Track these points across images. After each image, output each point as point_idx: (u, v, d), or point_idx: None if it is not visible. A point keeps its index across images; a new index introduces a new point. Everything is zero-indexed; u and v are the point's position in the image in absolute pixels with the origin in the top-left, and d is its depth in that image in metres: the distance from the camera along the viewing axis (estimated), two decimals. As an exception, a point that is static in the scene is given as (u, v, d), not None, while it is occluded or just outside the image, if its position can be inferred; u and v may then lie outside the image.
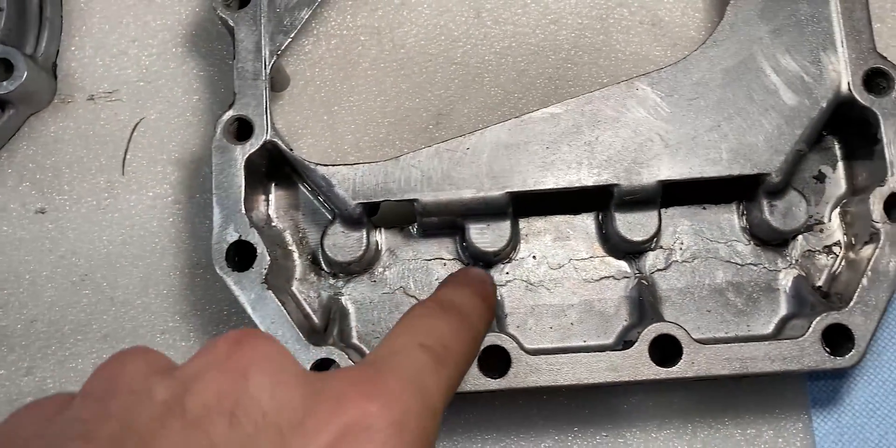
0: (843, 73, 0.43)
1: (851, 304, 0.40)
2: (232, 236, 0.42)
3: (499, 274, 0.45)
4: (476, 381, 0.40)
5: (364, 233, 0.44)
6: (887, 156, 0.42)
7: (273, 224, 0.46)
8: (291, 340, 0.41)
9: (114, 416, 0.26)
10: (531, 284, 0.45)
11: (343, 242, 0.44)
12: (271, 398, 0.26)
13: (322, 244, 0.44)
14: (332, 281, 0.45)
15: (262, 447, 0.25)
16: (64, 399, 0.28)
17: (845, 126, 0.45)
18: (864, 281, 0.40)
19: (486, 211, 0.43)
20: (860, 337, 0.40)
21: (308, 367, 0.40)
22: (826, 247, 0.45)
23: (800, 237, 0.45)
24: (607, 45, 0.50)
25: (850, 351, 0.40)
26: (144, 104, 0.51)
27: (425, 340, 0.31)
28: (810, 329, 0.40)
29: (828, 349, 0.40)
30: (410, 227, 0.46)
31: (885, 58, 0.43)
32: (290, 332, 0.41)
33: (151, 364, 0.28)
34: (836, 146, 0.46)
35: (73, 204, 0.50)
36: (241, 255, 0.42)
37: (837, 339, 0.40)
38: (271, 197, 0.46)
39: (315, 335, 0.43)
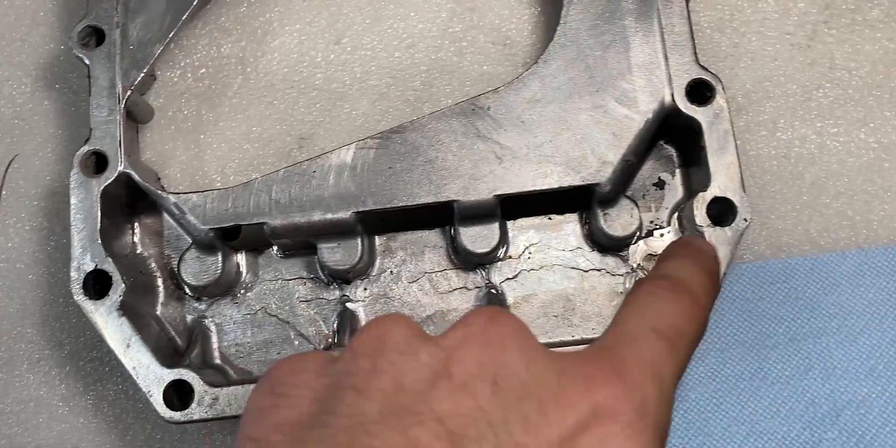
0: (666, 86, 0.45)
1: (677, 304, 0.42)
2: (88, 266, 0.44)
3: (356, 290, 0.47)
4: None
5: (219, 256, 0.46)
6: (710, 162, 0.44)
7: (138, 251, 0.47)
8: (145, 363, 0.42)
9: (384, 372, 0.29)
10: (389, 299, 0.47)
11: (199, 267, 0.46)
12: (527, 370, 0.29)
13: (179, 268, 0.46)
14: (195, 304, 0.47)
15: (525, 412, 0.28)
16: (329, 355, 0.31)
17: (679, 135, 0.47)
18: (689, 282, 0.42)
19: (335, 230, 0.45)
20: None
21: (160, 390, 0.42)
22: (665, 250, 0.47)
23: (641, 242, 0.47)
24: (461, 67, 0.52)
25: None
26: (19, 141, 0.52)
27: (658, 324, 0.32)
28: (639, 330, 0.42)
29: (656, 348, 0.42)
30: (271, 249, 0.48)
31: (706, 69, 0.45)
32: (145, 355, 0.42)
33: (413, 329, 0.31)
34: (674, 154, 0.48)
35: (-49, 239, 0.51)
36: (99, 284, 0.44)
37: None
38: (136, 225, 0.48)
39: (177, 357, 0.44)
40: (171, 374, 0.42)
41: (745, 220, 0.43)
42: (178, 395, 0.42)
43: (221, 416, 0.41)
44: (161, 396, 0.42)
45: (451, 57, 0.52)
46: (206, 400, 0.42)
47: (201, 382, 0.42)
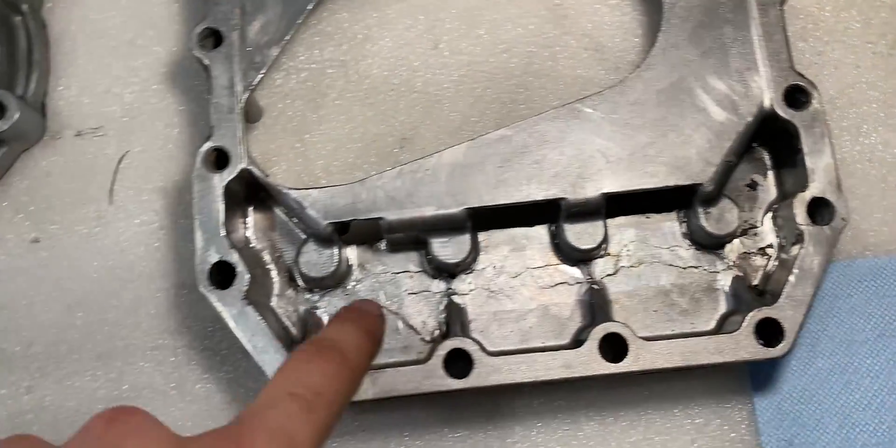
0: (765, 91, 0.47)
1: (781, 299, 0.44)
2: (213, 257, 0.46)
3: (462, 284, 0.49)
4: (441, 381, 0.43)
5: (335, 250, 0.48)
6: (807, 164, 0.46)
7: (251, 245, 0.49)
8: (272, 351, 0.44)
9: None
10: (492, 292, 0.49)
11: (316, 259, 0.48)
12: None
13: (297, 261, 0.48)
14: (307, 296, 0.49)
15: None
16: None
17: (772, 138, 0.49)
18: (791, 278, 0.44)
19: (447, 226, 0.47)
20: (789, 329, 0.43)
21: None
22: (760, 249, 0.49)
23: (736, 241, 0.49)
24: (555, 71, 0.54)
25: (781, 342, 0.43)
26: (129, 138, 0.54)
27: (295, 389, 0.34)
28: (744, 323, 0.44)
29: (761, 341, 0.44)
30: (379, 244, 0.50)
31: (802, 75, 0.48)
32: (271, 343, 0.44)
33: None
34: (766, 156, 0.50)
35: (65, 233, 0.53)
36: (222, 275, 0.46)
37: (770, 331, 0.44)
38: (249, 220, 0.50)
39: (294, 346, 0.46)
40: (296, 361, 0.44)
41: (843, 219, 0.45)
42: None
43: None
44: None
45: (545, 62, 0.55)
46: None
47: (325, 369, 0.44)
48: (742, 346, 0.44)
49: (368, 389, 0.44)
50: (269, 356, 0.44)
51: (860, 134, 0.53)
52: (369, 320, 0.42)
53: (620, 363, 0.43)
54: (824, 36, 0.55)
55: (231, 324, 0.45)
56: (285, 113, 0.54)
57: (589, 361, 0.44)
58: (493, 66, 0.55)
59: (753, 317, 0.44)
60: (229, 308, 0.45)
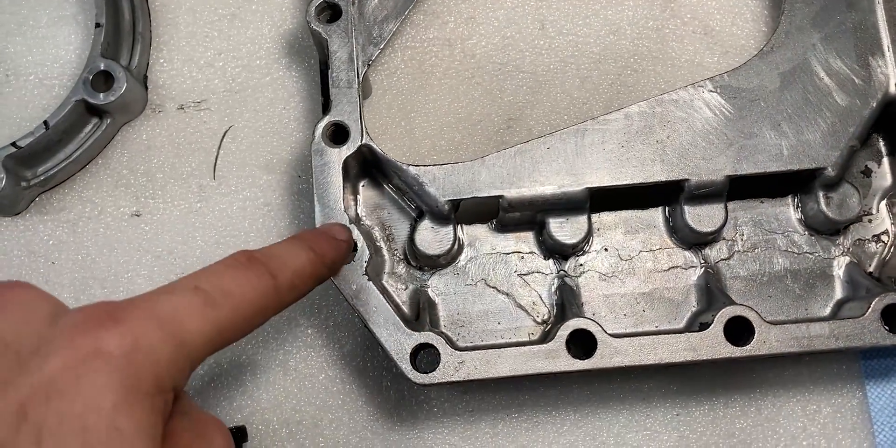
0: (890, 75, 0.47)
1: (908, 285, 0.44)
2: (333, 232, 0.45)
3: (573, 265, 0.49)
4: (566, 362, 0.43)
5: (451, 228, 0.47)
6: (932, 151, 0.46)
7: (362, 222, 0.49)
8: (391, 326, 0.44)
9: None
10: (604, 275, 0.48)
11: (432, 237, 0.47)
12: (14, 331, 0.30)
13: (413, 239, 0.47)
14: (418, 274, 0.49)
15: (1, 367, 0.29)
16: None
17: (890, 124, 0.48)
18: (919, 264, 0.44)
19: (566, 206, 0.46)
20: (920, 313, 0.43)
21: (408, 351, 0.43)
22: (875, 236, 0.48)
23: (851, 227, 0.49)
24: (663, 53, 0.54)
25: (911, 325, 0.43)
26: (232, 113, 0.54)
27: (203, 284, 0.34)
28: (870, 309, 0.43)
29: (886, 327, 0.43)
30: (490, 223, 0.49)
31: (927, 61, 0.47)
32: (392, 318, 0.44)
33: None
34: (881, 143, 0.50)
35: (166, 207, 0.53)
36: (342, 250, 0.45)
37: (894, 318, 0.44)
38: (360, 197, 0.50)
39: (408, 323, 0.46)
40: (419, 338, 0.43)
41: (971, 206, 0.45)
42: (420, 358, 0.44)
43: (468, 379, 0.43)
44: (409, 360, 0.43)
45: (653, 44, 0.54)
46: (453, 363, 0.43)
47: (446, 345, 0.43)
48: (868, 331, 0.43)
49: (490, 369, 0.43)
50: (389, 332, 0.44)
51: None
52: (327, 244, 0.41)
53: (747, 346, 0.43)
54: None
55: (351, 300, 0.44)
56: (391, 91, 0.54)
57: (715, 345, 0.43)
58: (600, 48, 0.54)
59: (879, 302, 0.43)
60: (349, 284, 0.44)
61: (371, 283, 0.45)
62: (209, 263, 0.50)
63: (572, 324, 0.44)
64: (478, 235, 0.49)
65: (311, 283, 0.39)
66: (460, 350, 0.44)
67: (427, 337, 0.44)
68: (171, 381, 0.31)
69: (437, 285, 0.49)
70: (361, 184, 0.50)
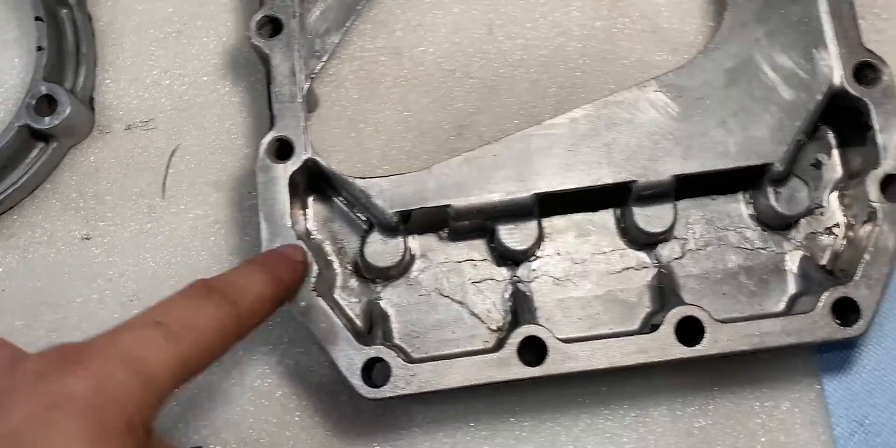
0: (834, 68, 0.46)
1: (856, 278, 0.43)
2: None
3: (526, 271, 0.48)
4: (517, 369, 0.43)
5: (401, 239, 0.47)
6: (879, 141, 0.45)
7: (312, 237, 0.49)
8: (342, 341, 0.43)
9: None
10: (557, 279, 0.48)
11: (382, 249, 0.47)
12: None
13: (363, 252, 0.47)
14: (370, 286, 0.48)
15: None
16: None
17: (838, 116, 0.48)
18: (867, 256, 0.44)
19: (515, 212, 0.46)
20: (866, 308, 0.43)
21: (359, 366, 0.43)
22: (827, 228, 0.48)
23: (802, 221, 0.48)
24: (613, 53, 0.54)
25: (858, 321, 0.43)
26: (180, 131, 0.54)
27: (163, 318, 0.33)
28: (820, 303, 0.43)
29: (838, 321, 0.43)
30: (441, 233, 0.49)
31: (871, 51, 0.47)
32: (342, 333, 0.44)
33: None
34: (830, 135, 0.50)
35: (117, 229, 0.53)
36: (289, 266, 0.45)
37: (845, 311, 0.43)
38: (309, 211, 0.49)
39: (360, 337, 0.45)
40: (369, 352, 0.43)
41: (919, 196, 0.45)
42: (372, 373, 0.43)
43: (420, 391, 0.43)
44: (360, 375, 0.43)
45: (602, 44, 0.54)
46: (404, 376, 0.43)
47: (397, 359, 0.43)
48: (818, 325, 0.43)
49: (441, 380, 0.43)
50: (340, 348, 0.43)
51: (922, 111, 0.53)
52: (281, 266, 0.41)
53: (697, 347, 0.43)
54: (883, 13, 0.54)
55: (300, 317, 0.44)
56: (339, 102, 0.53)
57: (665, 346, 0.43)
58: (549, 51, 0.54)
59: (829, 296, 0.43)
60: (299, 300, 0.44)
61: (320, 298, 0.44)
62: (161, 285, 0.51)
63: (523, 331, 0.44)
64: (430, 245, 0.49)
65: (271, 307, 0.39)
66: (413, 362, 0.43)
67: (378, 351, 0.43)
68: (141, 420, 0.31)
69: (391, 297, 0.48)
70: (311, 198, 0.50)
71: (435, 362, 0.44)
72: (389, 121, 0.53)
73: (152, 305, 0.35)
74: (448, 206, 0.46)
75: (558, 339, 0.44)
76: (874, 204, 0.45)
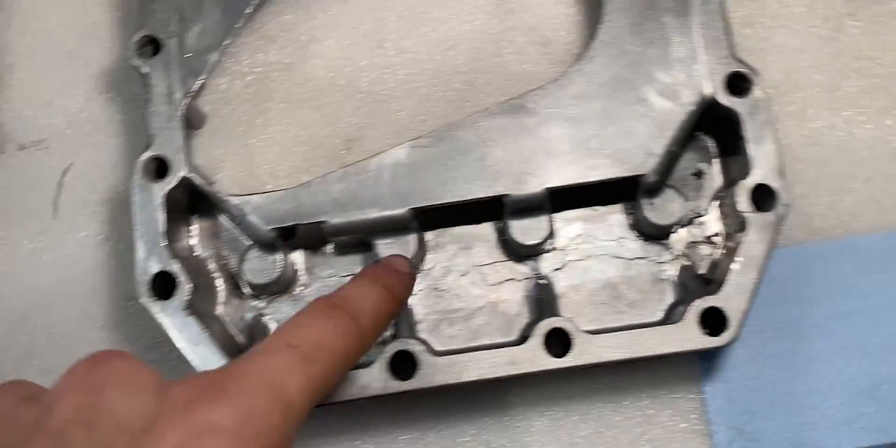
0: (706, 79, 0.47)
1: (724, 287, 0.44)
2: (154, 268, 0.45)
3: (410, 284, 0.49)
4: (386, 384, 0.43)
5: (279, 256, 0.48)
6: (750, 151, 0.46)
7: (196, 254, 0.49)
8: (215, 362, 0.44)
9: None
10: (440, 292, 0.49)
11: (260, 266, 0.47)
12: (125, 407, 0.29)
13: (241, 269, 0.47)
14: (254, 302, 0.49)
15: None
16: None
17: (716, 126, 0.49)
18: (735, 266, 0.44)
19: (392, 227, 0.47)
20: (733, 317, 0.43)
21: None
22: (707, 237, 0.49)
23: (683, 230, 0.49)
24: (501, 66, 0.54)
25: (726, 331, 0.43)
26: (73, 150, 0.54)
27: (294, 340, 0.33)
28: (688, 313, 0.44)
29: (706, 330, 0.44)
30: (326, 247, 0.49)
31: (743, 62, 0.47)
32: (214, 353, 0.44)
33: (21, 393, 0.31)
34: (711, 145, 0.50)
35: (10, 248, 0.53)
36: (163, 286, 0.45)
37: (715, 320, 0.44)
38: (193, 228, 0.50)
39: (239, 354, 0.46)
40: (242, 369, 0.43)
41: (786, 205, 0.45)
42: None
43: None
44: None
45: (492, 57, 0.54)
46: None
47: (271, 376, 0.43)
48: (687, 336, 0.44)
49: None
50: (211, 366, 0.44)
51: (806, 118, 0.53)
52: (394, 279, 0.41)
53: (565, 358, 0.43)
54: (769, 21, 0.55)
55: (172, 335, 0.44)
56: (230, 118, 0.54)
57: (534, 357, 0.43)
58: (439, 64, 0.54)
59: (697, 306, 0.44)
60: (171, 319, 0.45)
61: (192, 317, 0.45)
62: (52, 304, 0.51)
63: (394, 345, 0.44)
64: (316, 260, 0.49)
65: (387, 322, 0.39)
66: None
67: (250, 367, 0.44)
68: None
69: (274, 313, 0.49)
70: (196, 215, 0.50)
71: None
72: (279, 136, 0.53)
73: (280, 326, 0.35)
74: (323, 222, 0.46)
75: (432, 352, 0.44)
76: (743, 213, 0.45)
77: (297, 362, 0.32)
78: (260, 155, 0.53)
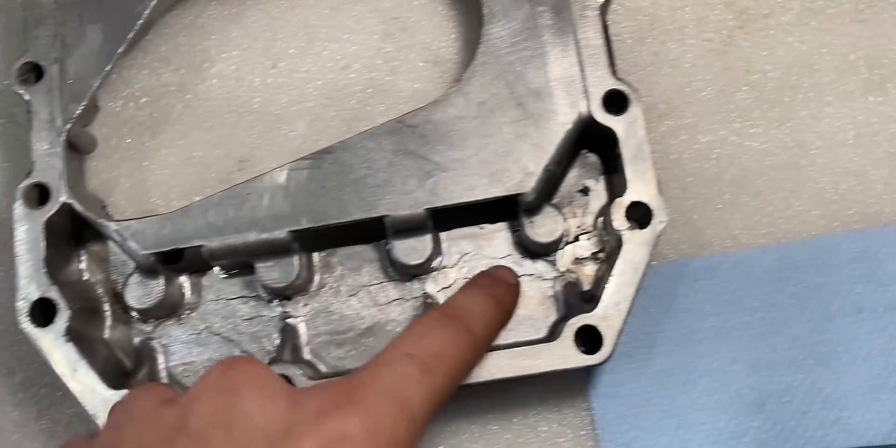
0: (583, 97, 0.47)
1: (600, 305, 0.44)
2: (34, 295, 0.45)
3: (297, 306, 0.49)
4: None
5: (162, 280, 0.48)
6: (626, 168, 0.46)
7: (85, 278, 0.49)
8: (96, 389, 0.44)
9: (128, 441, 0.31)
10: (329, 313, 0.49)
11: (142, 291, 0.47)
12: (261, 411, 0.30)
13: (123, 293, 0.48)
14: (142, 326, 0.49)
15: None
16: (92, 436, 0.34)
17: (599, 144, 0.49)
18: (610, 284, 0.44)
19: (271, 250, 0.47)
20: (608, 335, 0.43)
21: (106, 412, 0.43)
22: (592, 254, 0.49)
23: (569, 247, 0.49)
24: (395, 85, 0.54)
25: (600, 349, 0.44)
26: (-43, 176, 0.54)
27: (413, 351, 0.34)
28: (564, 331, 0.44)
29: (582, 348, 0.44)
30: (213, 270, 0.49)
31: (621, 80, 0.48)
32: (92, 379, 0.44)
33: (160, 395, 0.33)
34: (598, 162, 0.50)
35: None
36: (45, 312, 0.45)
37: (591, 338, 0.44)
38: (83, 253, 0.50)
39: (126, 379, 0.46)
40: (116, 396, 0.43)
41: (662, 222, 0.45)
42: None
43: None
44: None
45: (385, 76, 0.54)
46: (153, 418, 0.43)
47: (148, 402, 0.43)
48: (563, 354, 0.44)
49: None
50: (92, 394, 0.44)
51: (697, 132, 0.53)
52: (502, 289, 0.41)
53: (442, 379, 0.43)
54: (661, 35, 0.55)
55: (51, 361, 0.44)
56: (124, 141, 0.54)
57: (411, 379, 0.44)
58: (332, 83, 0.54)
59: (573, 324, 0.44)
60: (50, 345, 0.45)
61: (70, 343, 0.45)
62: None
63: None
64: (203, 283, 0.50)
65: (498, 331, 0.40)
66: (162, 404, 0.44)
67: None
68: None
69: (162, 337, 0.49)
70: (86, 239, 0.50)
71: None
72: (172, 158, 0.53)
73: (398, 336, 0.35)
74: (202, 246, 0.46)
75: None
76: (619, 230, 0.45)
77: (418, 373, 0.33)
78: (152, 177, 0.53)
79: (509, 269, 0.44)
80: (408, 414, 0.32)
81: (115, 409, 0.33)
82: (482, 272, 0.44)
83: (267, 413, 0.30)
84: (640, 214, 0.46)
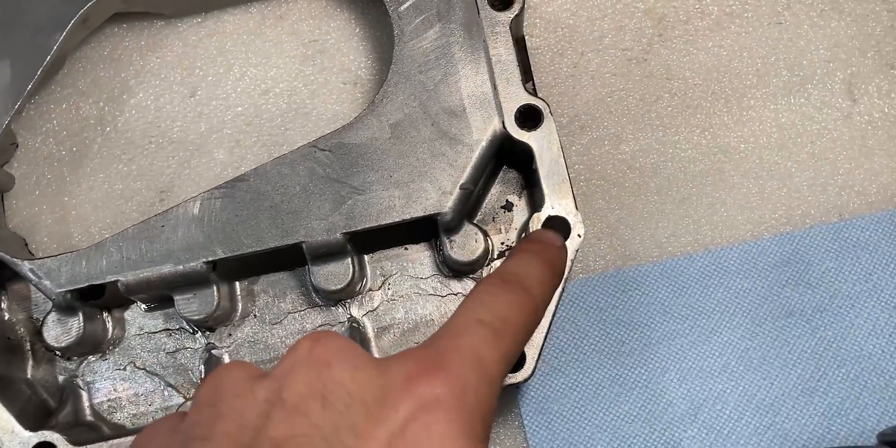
0: (497, 113, 0.47)
1: (520, 323, 0.44)
2: (-53, 338, 0.45)
3: (222, 336, 0.48)
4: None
5: (80, 317, 0.47)
6: (542, 183, 0.46)
7: (6, 317, 0.48)
8: (9, 428, 0.43)
9: (226, 416, 0.31)
10: (254, 342, 0.48)
11: (60, 329, 0.47)
12: (353, 380, 0.31)
13: (41, 332, 0.47)
14: (66, 364, 0.48)
15: (354, 420, 0.30)
16: (180, 414, 0.33)
17: (517, 159, 0.49)
18: (530, 301, 0.44)
19: (189, 281, 0.46)
20: (528, 353, 0.43)
21: (27, 452, 0.43)
22: (517, 270, 0.49)
23: (495, 263, 0.49)
24: (314, 108, 0.54)
25: (522, 366, 0.43)
26: None
27: (483, 316, 0.34)
28: (485, 351, 0.43)
29: (504, 368, 0.43)
30: (137, 304, 0.49)
31: (534, 95, 0.47)
32: (9, 421, 0.43)
33: (248, 371, 0.33)
34: (519, 177, 0.50)
35: None
36: (-40, 355, 0.45)
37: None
38: (3, 292, 0.49)
39: (49, 418, 0.45)
40: (34, 437, 0.43)
41: (579, 235, 0.45)
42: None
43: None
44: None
45: (305, 99, 0.54)
46: (72, 460, 0.43)
47: (66, 443, 0.43)
48: (487, 374, 0.43)
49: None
50: (8, 435, 0.43)
51: (621, 142, 0.53)
52: (551, 252, 0.42)
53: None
54: (580, 46, 0.55)
55: (-29, 406, 0.44)
56: (45, 177, 0.53)
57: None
58: (252, 109, 0.54)
59: (496, 344, 0.44)
60: (-32, 389, 0.44)
61: (-14, 386, 0.44)
62: None
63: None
64: (127, 317, 0.49)
65: (552, 294, 0.40)
66: (80, 445, 0.43)
67: (44, 436, 0.43)
68: (491, 421, 0.32)
69: (86, 374, 0.48)
70: (6, 278, 0.49)
71: (109, 441, 0.43)
72: (93, 192, 0.53)
73: (464, 304, 0.36)
74: (117, 281, 0.46)
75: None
76: (538, 246, 0.45)
77: (491, 338, 0.34)
78: (74, 213, 0.53)
79: (555, 232, 0.45)
80: (488, 377, 0.32)
81: (203, 388, 0.33)
82: (529, 237, 0.44)
83: (359, 381, 0.31)
84: (558, 228, 0.45)
